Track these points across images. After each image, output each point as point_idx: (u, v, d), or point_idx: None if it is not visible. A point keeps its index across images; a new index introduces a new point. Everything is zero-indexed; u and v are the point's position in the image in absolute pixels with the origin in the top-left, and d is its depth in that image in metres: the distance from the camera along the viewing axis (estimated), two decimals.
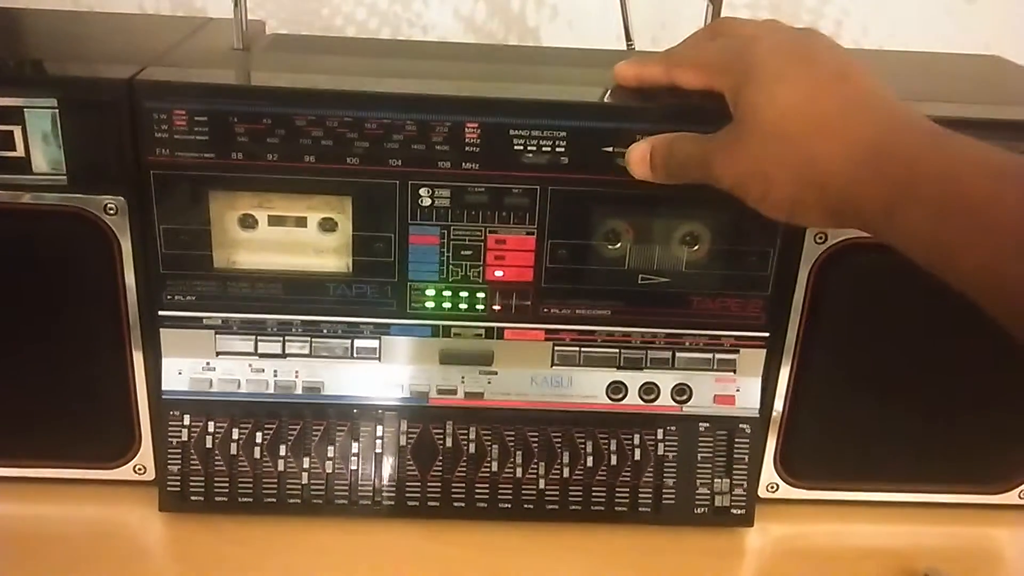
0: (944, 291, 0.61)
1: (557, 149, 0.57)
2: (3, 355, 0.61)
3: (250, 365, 0.62)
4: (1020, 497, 0.68)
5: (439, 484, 0.64)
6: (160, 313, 0.61)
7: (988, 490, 0.68)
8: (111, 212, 0.58)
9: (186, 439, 0.62)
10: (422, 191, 0.58)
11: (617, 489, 0.64)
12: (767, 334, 0.63)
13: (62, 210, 0.58)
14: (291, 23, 0.91)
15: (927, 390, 0.64)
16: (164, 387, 0.62)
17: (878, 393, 0.64)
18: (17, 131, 0.55)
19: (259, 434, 0.62)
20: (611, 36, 0.85)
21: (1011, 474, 0.68)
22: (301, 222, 0.60)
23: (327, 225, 0.60)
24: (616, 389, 0.64)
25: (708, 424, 0.64)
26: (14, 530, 0.63)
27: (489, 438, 0.64)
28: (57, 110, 0.55)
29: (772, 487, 0.67)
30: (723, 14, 0.64)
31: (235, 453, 0.62)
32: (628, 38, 0.76)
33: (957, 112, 0.61)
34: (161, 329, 0.61)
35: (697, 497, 0.65)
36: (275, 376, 0.63)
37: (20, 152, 0.56)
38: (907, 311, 0.62)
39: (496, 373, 0.63)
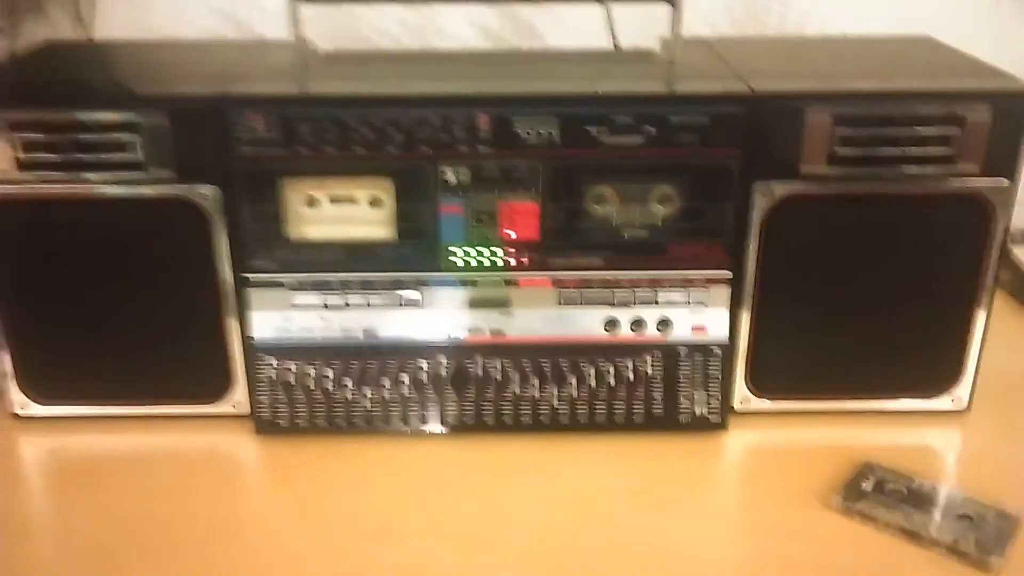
0: (869, 231, 0.75)
1: (551, 132, 0.72)
2: (124, 315, 0.77)
3: (319, 316, 0.78)
4: (952, 402, 0.81)
5: (472, 405, 0.79)
6: (247, 276, 0.76)
7: (924, 396, 0.81)
8: (207, 199, 0.74)
9: (273, 376, 0.79)
10: (447, 171, 0.73)
11: (615, 404, 0.79)
12: (730, 273, 0.76)
13: (170, 198, 0.73)
14: (335, 38, 1.05)
15: (865, 313, 0.77)
16: (254, 335, 0.78)
17: (824, 317, 0.77)
18: (136, 139, 0.72)
19: (329, 370, 0.78)
20: (607, 36, 0.99)
21: (943, 383, 0.80)
22: (354, 200, 0.75)
23: (375, 202, 0.75)
24: (611, 324, 0.78)
25: (687, 349, 0.78)
26: (137, 455, 0.78)
27: (511, 367, 0.79)
28: (168, 122, 0.71)
29: (744, 400, 0.81)
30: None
31: (311, 386, 0.78)
32: (614, 40, 0.91)
33: (889, 86, 0.75)
34: (249, 289, 0.77)
35: (680, 409, 0.79)
36: (340, 324, 0.78)
37: (139, 155, 0.72)
38: (839, 250, 0.75)
39: (514, 315, 0.78)
